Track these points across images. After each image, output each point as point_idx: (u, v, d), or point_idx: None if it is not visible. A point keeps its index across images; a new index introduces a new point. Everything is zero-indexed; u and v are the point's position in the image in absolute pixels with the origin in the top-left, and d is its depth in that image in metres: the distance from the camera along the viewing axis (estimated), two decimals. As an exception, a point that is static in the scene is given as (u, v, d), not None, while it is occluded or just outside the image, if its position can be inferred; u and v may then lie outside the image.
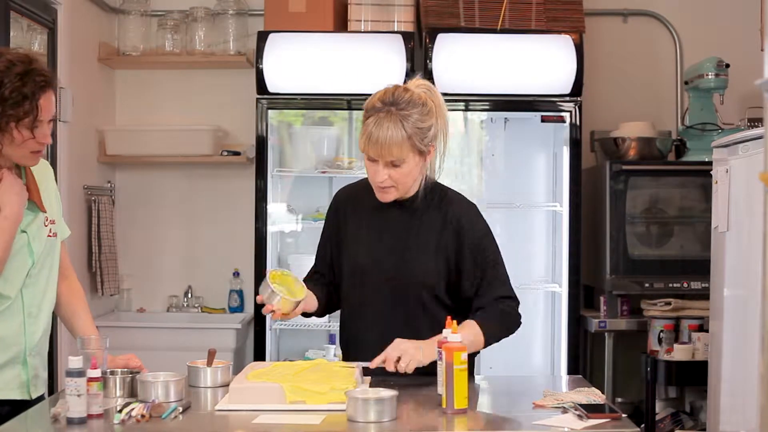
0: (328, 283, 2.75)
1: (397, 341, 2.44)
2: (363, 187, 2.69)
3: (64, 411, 2.13)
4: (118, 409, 2.16)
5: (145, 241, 5.01)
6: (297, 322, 4.56)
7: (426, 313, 2.59)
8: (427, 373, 2.42)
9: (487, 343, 2.55)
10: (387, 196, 2.56)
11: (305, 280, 2.69)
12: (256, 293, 4.45)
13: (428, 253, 2.58)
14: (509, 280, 2.66)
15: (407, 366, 2.40)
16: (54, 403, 2.22)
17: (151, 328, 4.47)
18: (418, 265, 2.58)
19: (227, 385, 2.41)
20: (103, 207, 4.63)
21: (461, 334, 2.33)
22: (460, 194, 2.71)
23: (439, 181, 2.68)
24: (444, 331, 2.32)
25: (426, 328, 2.55)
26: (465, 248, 2.60)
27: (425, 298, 2.59)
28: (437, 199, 2.62)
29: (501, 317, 2.60)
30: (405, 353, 2.40)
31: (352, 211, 2.69)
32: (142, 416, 2.13)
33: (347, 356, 2.69)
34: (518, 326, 2.65)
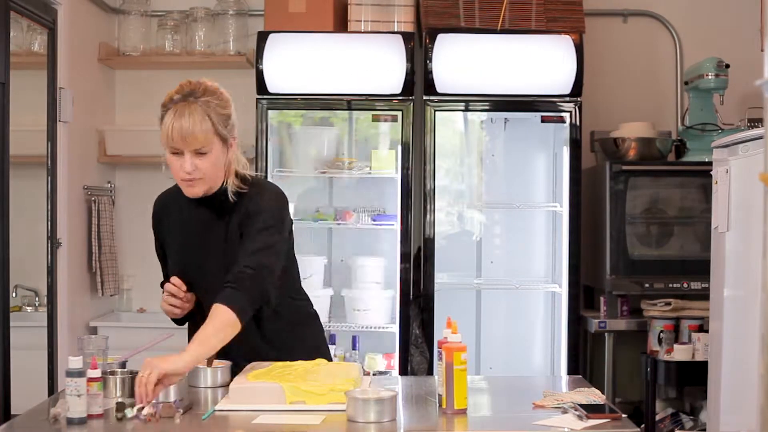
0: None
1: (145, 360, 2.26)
2: (177, 193, 2.62)
3: (64, 411, 2.13)
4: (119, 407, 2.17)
5: (145, 241, 4.95)
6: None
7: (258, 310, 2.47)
8: None
9: (241, 318, 2.35)
10: (194, 190, 2.50)
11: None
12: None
13: (230, 250, 2.50)
14: (265, 251, 2.44)
15: (149, 376, 2.18)
16: (54, 403, 2.22)
17: (151, 328, 4.46)
18: (231, 265, 2.45)
19: (227, 385, 2.41)
20: (103, 207, 4.63)
21: (207, 329, 2.27)
22: (263, 181, 2.66)
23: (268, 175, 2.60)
24: (444, 331, 2.32)
25: (266, 320, 2.51)
26: (243, 227, 2.49)
27: None
28: (243, 191, 2.54)
29: (246, 289, 2.37)
30: (147, 366, 2.21)
31: (167, 216, 2.65)
32: (152, 416, 2.13)
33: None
34: (264, 295, 2.42)
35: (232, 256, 2.47)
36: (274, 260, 2.47)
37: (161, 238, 2.69)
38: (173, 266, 2.61)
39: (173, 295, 2.52)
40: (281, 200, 2.58)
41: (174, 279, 2.52)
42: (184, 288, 2.52)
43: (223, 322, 2.33)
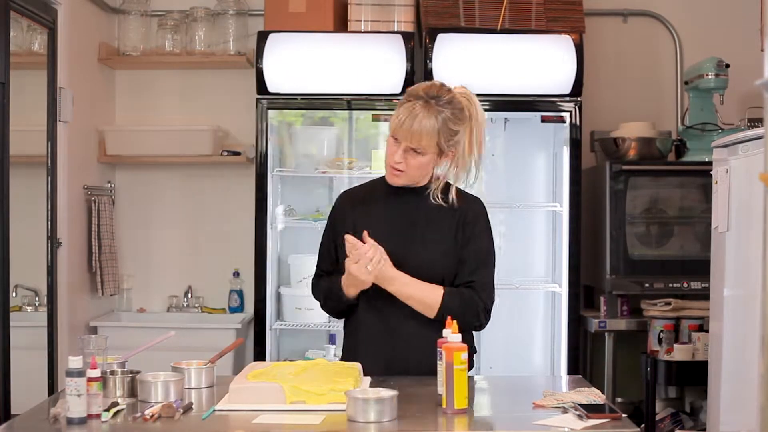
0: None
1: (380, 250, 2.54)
2: (370, 186, 2.80)
3: (64, 411, 2.13)
4: (105, 408, 2.18)
5: (145, 241, 5.01)
6: (297, 322, 4.56)
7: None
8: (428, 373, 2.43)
9: (438, 313, 2.58)
10: (396, 179, 2.65)
11: (317, 283, 2.82)
12: (257, 293, 4.49)
13: (438, 246, 2.64)
14: (491, 285, 2.70)
15: (376, 256, 2.51)
16: (54, 403, 2.22)
17: (151, 328, 4.46)
18: (427, 257, 2.63)
19: (212, 386, 2.43)
20: (103, 207, 4.63)
21: (418, 284, 2.54)
22: (467, 192, 2.77)
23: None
24: (444, 331, 2.32)
25: (430, 320, 2.59)
26: (467, 241, 2.66)
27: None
28: (448, 195, 2.67)
29: (465, 301, 2.62)
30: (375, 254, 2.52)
31: (360, 206, 2.75)
32: (151, 416, 2.14)
33: (351, 347, 2.71)
34: (477, 324, 2.67)
35: (424, 248, 2.63)
36: (492, 293, 2.70)
37: (344, 223, 2.73)
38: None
39: (355, 248, 2.58)
40: (487, 213, 2.77)
41: (348, 236, 2.59)
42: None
43: (429, 296, 2.59)
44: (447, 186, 2.70)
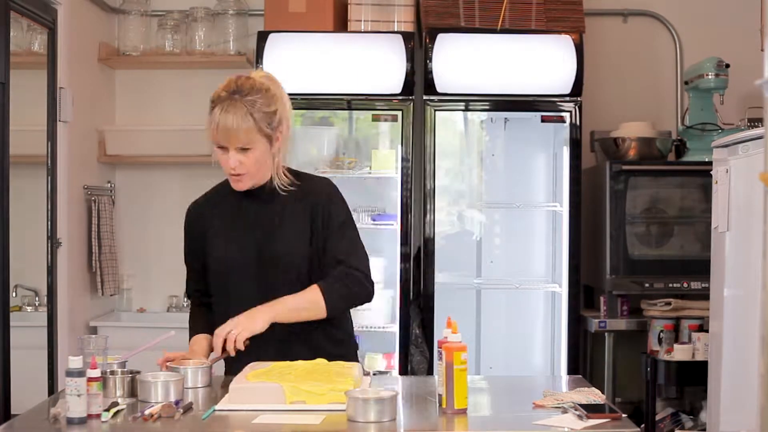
0: (209, 298, 2.74)
1: (234, 318, 2.48)
2: (214, 193, 2.75)
3: (64, 411, 2.13)
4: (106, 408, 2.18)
5: (145, 241, 5.01)
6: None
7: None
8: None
9: (329, 306, 2.53)
10: (240, 184, 2.60)
11: (190, 316, 2.77)
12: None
13: (290, 237, 2.60)
14: (356, 250, 2.62)
15: (238, 335, 2.43)
16: (54, 403, 2.22)
17: (151, 328, 4.46)
18: (281, 249, 2.58)
19: (209, 386, 2.43)
20: (103, 207, 4.63)
21: (289, 299, 2.47)
22: (312, 174, 2.77)
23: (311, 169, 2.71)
24: (444, 331, 2.32)
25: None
26: (317, 220, 2.61)
27: (291, 282, 2.58)
28: (293, 182, 2.63)
29: (341, 278, 2.56)
30: (236, 325, 2.44)
31: (209, 216, 2.70)
32: (151, 415, 2.14)
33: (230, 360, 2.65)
34: (363, 297, 2.62)
35: (276, 242, 2.57)
36: (365, 259, 2.61)
37: (198, 244, 2.70)
38: (215, 265, 2.65)
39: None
40: (339, 192, 2.69)
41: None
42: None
43: (309, 298, 2.51)
44: (291, 173, 2.65)
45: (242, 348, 2.45)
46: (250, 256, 2.60)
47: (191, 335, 2.73)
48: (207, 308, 2.73)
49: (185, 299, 4.96)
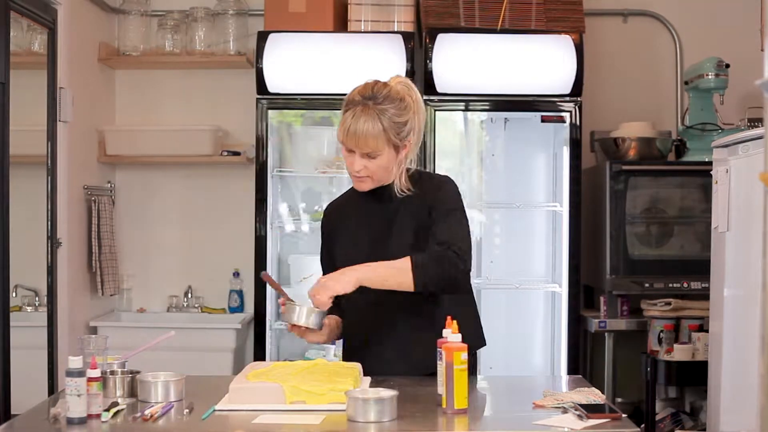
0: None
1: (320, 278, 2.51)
2: (348, 195, 2.81)
3: (64, 411, 2.13)
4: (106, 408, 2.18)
5: (145, 241, 5.01)
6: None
7: (411, 295, 2.53)
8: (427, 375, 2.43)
9: (416, 277, 2.46)
10: (363, 185, 2.64)
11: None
12: (257, 293, 4.49)
13: (407, 234, 2.62)
14: (459, 232, 2.57)
15: (317, 294, 2.44)
16: (54, 403, 2.22)
17: (151, 328, 4.46)
18: (396, 247, 2.59)
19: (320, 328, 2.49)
20: (103, 207, 4.63)
21: (378, 265, 2.46)
22: (433, 173, 2.78)
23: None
24: (444, 331, 2.32)
25: (419, 302, 2.57)
26: (433, 212, 2.60)
27: None
28: (416, 184, 2.66)
29: (434, 254, 2.51)
30: (321, 286, 2.45)
31: (339, 217, 2.78)
32: (150, 416, 2.14)
33: (348, 354, 2.71)
34: (458, 277, 2.52)
35: (393, 241, 2.60)
36: (466, 243, 2.55)
37: (330, 243, 2.77)
38: (340, 256, 2.69)
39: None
40: (456, 187, 2.69)
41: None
42: None
43: (398, 266, 2.47)
44: (412, 178, 2.66)
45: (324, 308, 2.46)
46: (367, 256, 2.60)
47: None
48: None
49: (185, 299, 4.97)
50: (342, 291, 2.45)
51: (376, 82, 2.62)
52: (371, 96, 2.56)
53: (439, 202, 2.61)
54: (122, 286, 4.89)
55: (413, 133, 2.61)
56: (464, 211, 2.65)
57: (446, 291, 2.56)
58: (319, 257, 2.85)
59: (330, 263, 2.74)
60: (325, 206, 2.90)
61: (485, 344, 2.81)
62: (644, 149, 4.51)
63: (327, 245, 2.79)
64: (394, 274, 2.47)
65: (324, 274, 2.80)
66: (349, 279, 2.45)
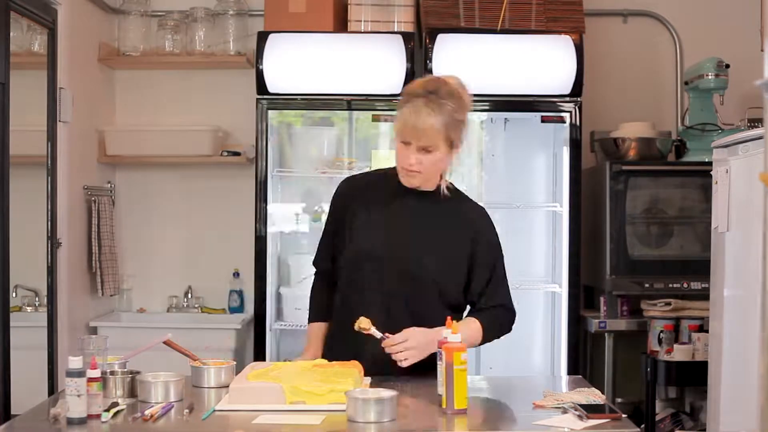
0: (331, 281, 2.78)
1: (413, 332, 2.50)
2: (375, 177, 2.79)
3: (64, 411, 2.13)
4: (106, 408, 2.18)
5: (145, 241, 5.01)
6: (297, 322, 4.56)
7: (428, 307, 2.61)
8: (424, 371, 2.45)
9: (482, 343, 2.70)
10: (412, 180, 2.63)
11: (313, 288, 2.85)
12: (257, 294, 4.48)
13: (444, 251, 2.63)
14: (510, 294, 2.76)
15: (405, 361, 2.49)
16: (54, 403, 2.22)
17: (151, 329, 4.46)
18: (433, 261, 2.62)
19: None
20: (103, 207, 4.63)
21: (463, 329, 2.38)
22: (470, 198, 2.80)
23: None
24: (444, 331, 2.32)
25: (427, 321, 2.57)
26: (479, 254, 2.66)
27: (432, 293, 2.62)
28: (454, 198, 2.70)
29: (498, 322, 2.71)
30: (411, 347, 2.49)
31: (362, 199, 2.73)
32: (150, 416, 2.14)
33: (338, 339, 2.69)
34: (508, 331, 2.79)
35: (429, 251, 2.61)
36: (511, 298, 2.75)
37: (341, 224, 2.72)
38: (353, 244, 2.67)
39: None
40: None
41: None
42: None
43: (472, 331, 2.62)
44: (449, 186, 2.71)
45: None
46: (401, 253, 2.61)
47: (312, 315, 2.80)
48: (330, 288, 2.77)
49: (185, 299, 4.96)
50: (420, 358, 2.52)
51: (438, 77, 2.63)
52: (434, 90, 2.55)
53: (495, 256, 2.70)
54: (122, 286, 4.89)
55: (465, 133, 2.62)
56: (503, 256, 2.75)
57: None
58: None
59: (333, 243, 2.73)
60: (342, 182, 2.83)
61: None
62: (644, 149, 4.51)
63: (337, 225, 2.74)
64: (471, 338, 2.61)
65: (320, 262, 2.82)
66: (434, 347, 2.39)
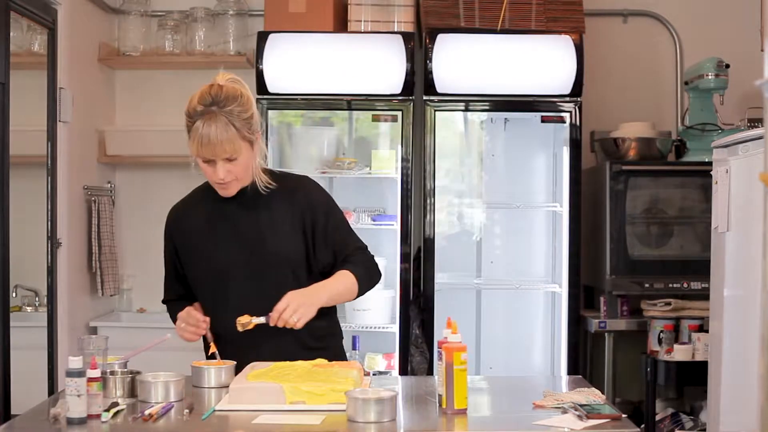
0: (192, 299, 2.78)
1: (291, 294, 2.52)
2: (191, 198, 2.77)
3: (64, 411, 2.13)
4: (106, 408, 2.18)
5: (145, 241, 5.00)
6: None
7: (295, 283, 2.59)
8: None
9: (360, 291, 2.66)
10: (229, 191, 2.61)
11: (171, 306, 2.85)
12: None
13: (283, 235, 2.62)
14: (358, 239, 2.75)
15: (299, 321, 2.50)
16: (54, 403, 2.22)
17: (151, 328, 4.46)
18: (276, 248, 2.61)
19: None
20: (103, 207, 4.63)
21: (334, 282, 2.55)
22: (287, 172, 2.82)
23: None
24: (444, 331, 2.32)
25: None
26: (316, 218, 2.64)
27: (287, 279, 2.60)
28: (273, 180, 2.66)
29: (366, 264, 2.70)
30: (297, 307, 2.49)
31: (187, 223, 2.71)
32: (150, 416, 2.14)
33: (224, 354, 2.65)
34: (379, 276, 2.77)
35: (270, 242, 2.60)
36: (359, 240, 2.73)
37: (177, 247, 2.72)
38: (195, 270, 2.69)
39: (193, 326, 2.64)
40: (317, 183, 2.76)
41: (196, 313, 2.62)
42: (205, 321, 2.63)
43: (346, 283, 2.61)
44: (266, 172, 2.66)
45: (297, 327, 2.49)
46: (244, 258, 2.60)
47: (176, 319, 2.76)
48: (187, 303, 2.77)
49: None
50: (313, 315, 2.52)
51: (211, 86, 2.54)
52: (213, 101, 2.50)
53: (328, 209, 2.68)
54: (122, 286, 4.89)
55: (258, 123, 2.59)
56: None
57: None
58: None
59: (186, 273, 2.72)
60: (166, 217, 2.80)
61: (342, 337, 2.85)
62: (644, 149, 4.51)
63: (181, 255, 2.72)
64: (348, 288, 2.62)
65: (174, 290, 2.83)
66: (318, 301, 2.52)
